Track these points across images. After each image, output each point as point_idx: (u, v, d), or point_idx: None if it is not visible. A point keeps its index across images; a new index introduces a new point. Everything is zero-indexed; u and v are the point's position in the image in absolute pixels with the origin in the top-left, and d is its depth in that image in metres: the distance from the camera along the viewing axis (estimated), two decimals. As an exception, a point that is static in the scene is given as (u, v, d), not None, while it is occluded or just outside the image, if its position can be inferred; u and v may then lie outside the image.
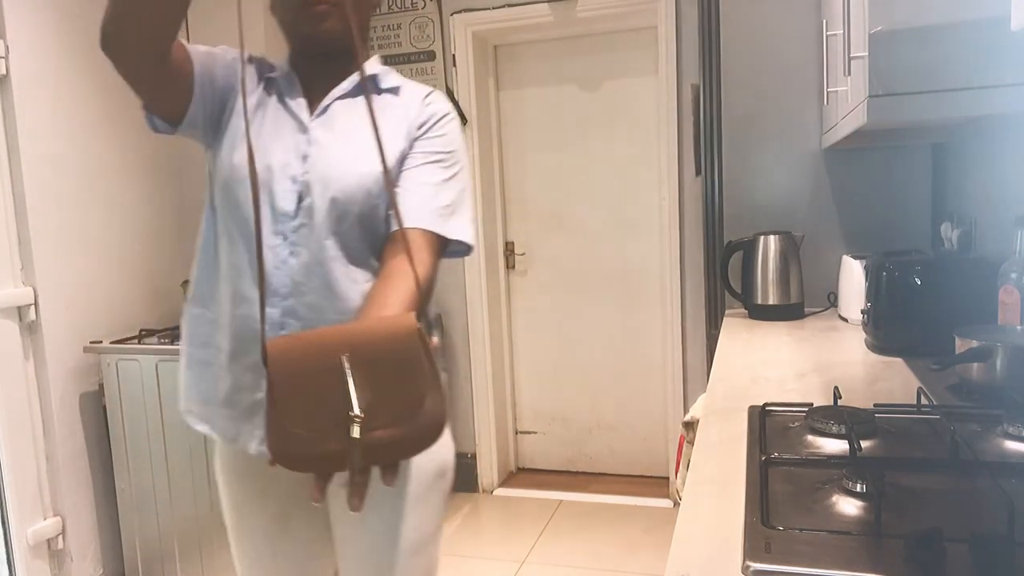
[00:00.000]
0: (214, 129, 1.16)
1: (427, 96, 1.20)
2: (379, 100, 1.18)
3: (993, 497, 0.88)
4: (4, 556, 2.18)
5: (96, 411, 2.38)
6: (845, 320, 2.15)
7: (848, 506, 0.87)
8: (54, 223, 2.26)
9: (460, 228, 1.15)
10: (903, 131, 2.08)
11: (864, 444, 1.06)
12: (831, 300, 2.33)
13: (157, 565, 2.34)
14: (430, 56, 3.19)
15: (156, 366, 2.24)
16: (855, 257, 2.11)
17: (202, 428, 1.25)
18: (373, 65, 1.21)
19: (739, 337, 2.04)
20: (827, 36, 1.96)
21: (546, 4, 3.01)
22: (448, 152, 1.17)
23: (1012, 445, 1.06)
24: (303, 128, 1.15)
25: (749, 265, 2.33)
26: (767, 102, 2.52)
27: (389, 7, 3.21)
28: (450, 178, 1.16)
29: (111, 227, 2.46)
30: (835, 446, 1.08)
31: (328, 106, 1.16)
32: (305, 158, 1.13)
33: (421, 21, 3.18)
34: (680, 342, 3.04)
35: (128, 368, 2.28)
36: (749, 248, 2.35)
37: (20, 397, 2.18)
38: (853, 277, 2.08)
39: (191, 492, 2.25)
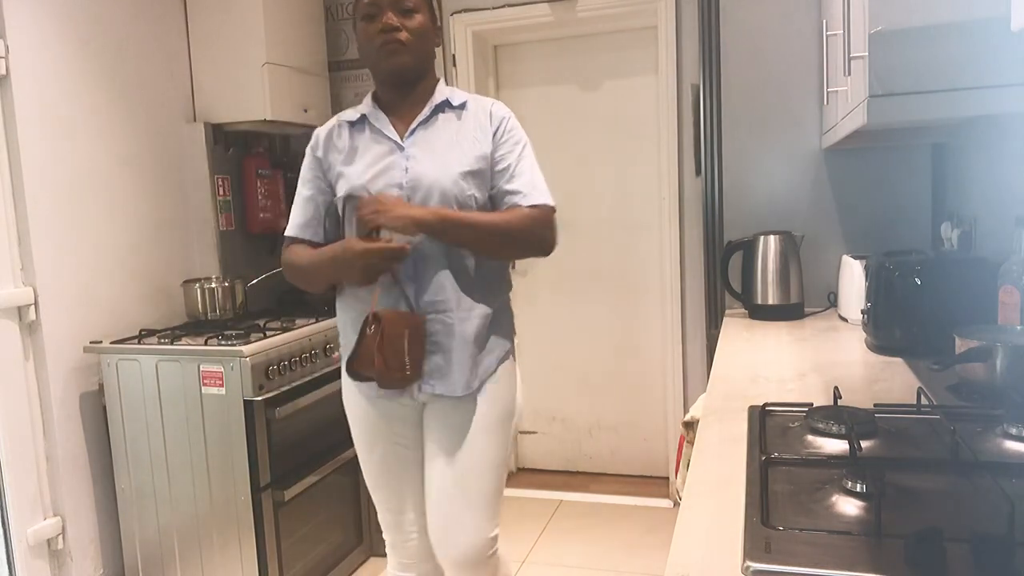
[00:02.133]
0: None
1: (491, 107, 1.57)
2: (453, 114, 1.56)
3: (993, 497, 0.88)
4: (4, 556, 2.18)
5: (96, 411, 2.37)
6: (845, 320, 2.15)
7: (848, 506, 0.87)
8: (54, 223, 2.26)
9: (546, 195, 1.54)
10: (903, 131, 2.08)
11: (864, 444, 1.06)
12: (831, 300, 2.33)
13: (157, 565, 2.34)
14: (430, 56, 3.19)
15: (156, 366, 2.24)
16: (855, 257, 2.11)
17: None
18: (442, 91, 1.57)
19: (739, 337, 2.04)
20: (827, 36, 1.96)
21: (546, 4, 3.01)
22: (522, 145, 1.56)
23: (1012, 445, 1.06)
24: (399, 147, 1.53)
25: (749, 265, 2.33)
26: (767, 102, 2.52)
27: (389, 7, 3.21)
28: (531, 165, 1.55)
29: (111, 227, 2.46)
30: (835, 446, 1.08)
31: (415, 130, 1.53)
32: (406, 170, 1.50)
33: (421, 21, 3.17)
34: (680, 342, 3.04)
35: (128, 368, 2.28)
36: (749, 248, 2.35)
37: (20, 397, 2.18)
38: (853, 277, 2.08)
39: (191, 492, 2.25)
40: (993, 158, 1.80)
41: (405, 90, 1.54)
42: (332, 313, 2.67)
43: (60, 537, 2.27)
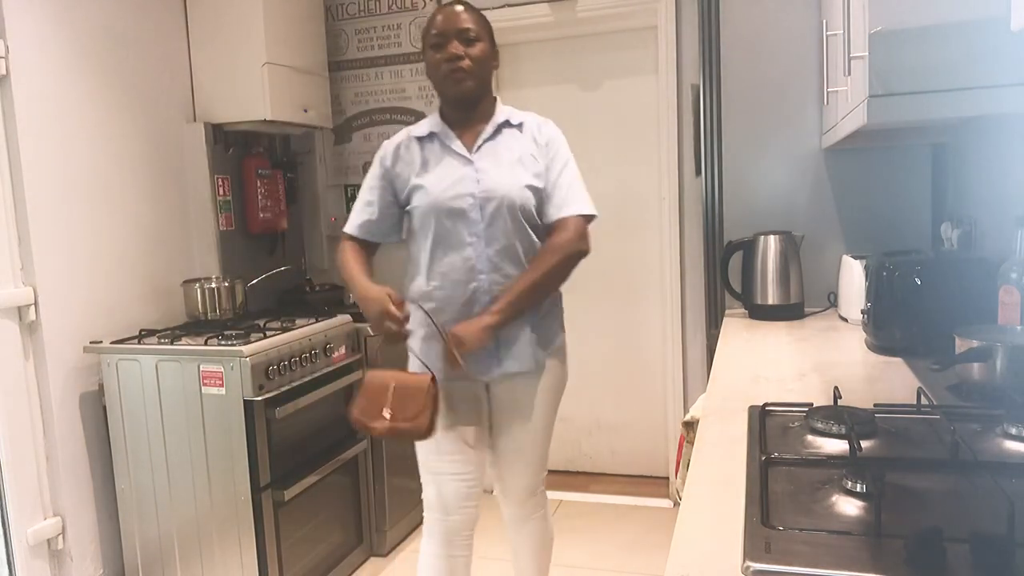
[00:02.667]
0: (406, 201, 1.78)
1: (541, 126, 1.79)
2: (514, 131, 1.76)
3: (993, 497, 0.88)
4: (4, 556, 2.18)
5: (96, 411, 2.37)
6: (845, 320, 2.15)
7: (848, 506, 0.87)
8: (54, 223, 2.26)
9: (588, 205, 1.77)
10: (903, 131, 2.08)
11: (864, 444, 1.06)
12: (831, 300, 2.33)
13: (157, 565, 2.34)
14: (430, 56, 3.19)
15: (156, 366, 2.24)
16: (855, 257, 2.11)
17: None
18: (502, 110, 1.79)
19: (739, 337, 2.04)
20: (827, 36, 1.96)
21: (546, 4, 3.01)
22: (567, 158, 1.78)
23: (1012, 445, 1.06)
24: (468, 161, 1.72)
25: (749, 265, 2.33)
26: (767, 102, 2.52)
27: (389, 7, 3.21)
28: (573, 176, 1.78)
29: (111, 227, 2.46)
30: (835, 446, 1.08)
31: (481, 146, 1.73)
32: (478, 182, 1.70)
33: (421, 21, 3.17)
34: (680, 342, 3.04)
35: (128, 368, 2.28)
36: (749, 248, 2.34)
37: (20, 397, 2.18)
38: (853, 277, 2.08)
39: (191, 492, 2.25)
40: (993, 158, 1.80)
41: (468, 110, 1.75)
42: (332, 313, 2.69)
43: (60, 537, 2.27)
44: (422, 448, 1.79)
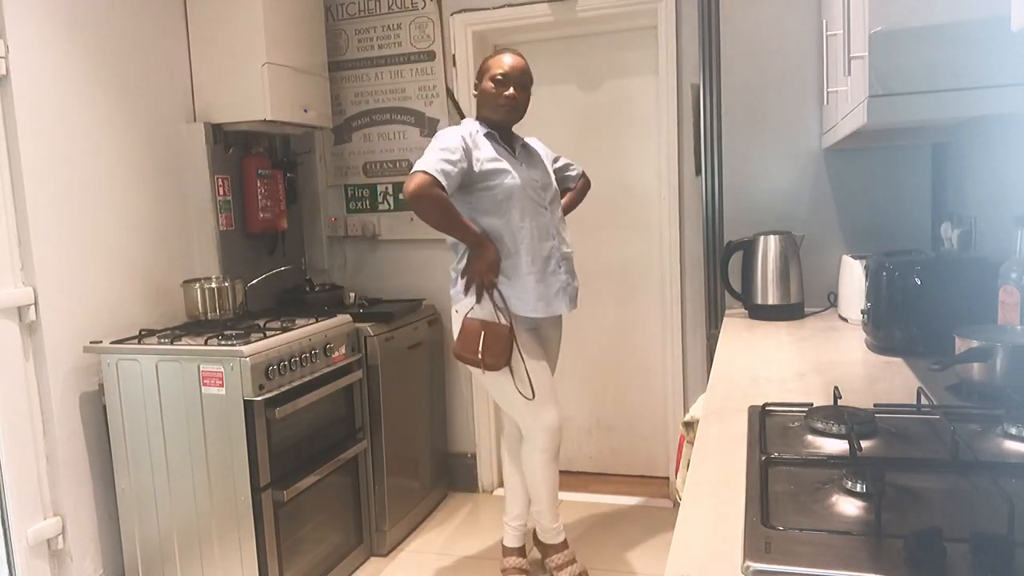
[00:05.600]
0: (471, 176, 2.24)
1: (536, 145, 2.49)
2: (528, 148, 2.44)
3: (993, 497, 0.88)
4: (4, 556, 2.18)
5: (96, 411, 2.37)
6: (845, 320, 2.15)
7: (848, 506, 0.87)
8: (54, 223, 2.26)
9: (578, 166, 2.66)
10: (903, 131, 2.08)
11: (864, 444, 1.06)
12: (831, 300, 2.33)
13: (157, 565, 2.34)
14: (430, 56, 3.19)
15: (156, 366, 2.24)
16: (855, 257, 2.10)
17: (524, 311, 2.31)
18: (519, 136, 2.43)
19: (739, 337, 2.04)
20: (827, 36, 1.96)
21: (546, 4, 3.01)
22: (561, 157, 2.62)
23: (1012, 445, 1.06)
24: (518, 162, 2.32)
25: (749, 265, 2.33)
26: (767, 102, 2.52)
27: (389, 7, 3.21)
28: (563, 157, 2.62)
29: (111, 227, 2.46)
30: (835, 446, 1.08)
31: (518, 154, 2.35)
32: (535, 173, 2.36)
33: (421, 21, 3.18)
34: (680, 342, 3.04)
35: (128, 368, 2.28)
36: (749, 248, 2.34)
37: (20, 397, 2.18)
38: (853, 277, 2.08)
39: (191, 492, 2.25)
40: (993, 158, 1.80)
41: (507, 130, 2.36)
42: (332, 313, 2.69)
43: (60, 537, 2.27)
44: (538, 379, 2.27)
